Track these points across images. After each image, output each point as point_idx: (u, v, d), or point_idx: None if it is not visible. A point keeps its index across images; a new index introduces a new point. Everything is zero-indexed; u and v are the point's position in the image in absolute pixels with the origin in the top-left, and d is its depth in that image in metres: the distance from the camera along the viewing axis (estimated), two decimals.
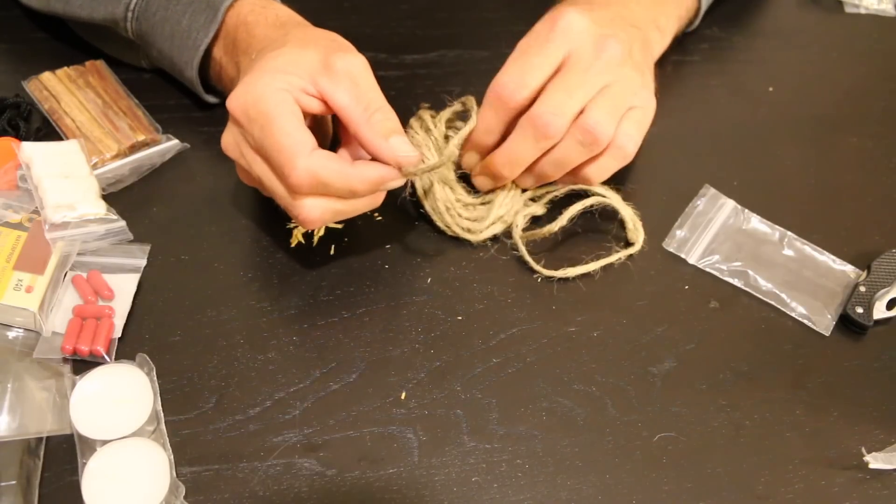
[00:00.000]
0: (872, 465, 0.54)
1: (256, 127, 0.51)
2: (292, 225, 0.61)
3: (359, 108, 0.52)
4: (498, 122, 0.58)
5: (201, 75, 0.63)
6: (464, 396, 0.56)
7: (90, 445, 0.51)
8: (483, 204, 0.62)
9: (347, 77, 0.52)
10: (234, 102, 0.51)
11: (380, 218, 0.63)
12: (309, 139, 0.51)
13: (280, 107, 0.50)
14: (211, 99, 0.66)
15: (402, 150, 0.53)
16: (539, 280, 0.61)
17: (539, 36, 0.57)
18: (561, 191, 0.62)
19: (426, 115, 0.61)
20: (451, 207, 0.61)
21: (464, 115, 0.61)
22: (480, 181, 0.62)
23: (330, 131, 0.59)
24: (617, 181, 0.67)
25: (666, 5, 0.68)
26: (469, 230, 0.61)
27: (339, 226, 0.62)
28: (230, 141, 0.54)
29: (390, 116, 0.53)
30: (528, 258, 0.60)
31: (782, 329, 0.61)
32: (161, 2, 0.61)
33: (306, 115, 0.53)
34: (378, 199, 0.55)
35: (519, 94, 0.56)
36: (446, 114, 0.61)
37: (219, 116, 0.67)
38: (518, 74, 0.56)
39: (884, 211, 0.68)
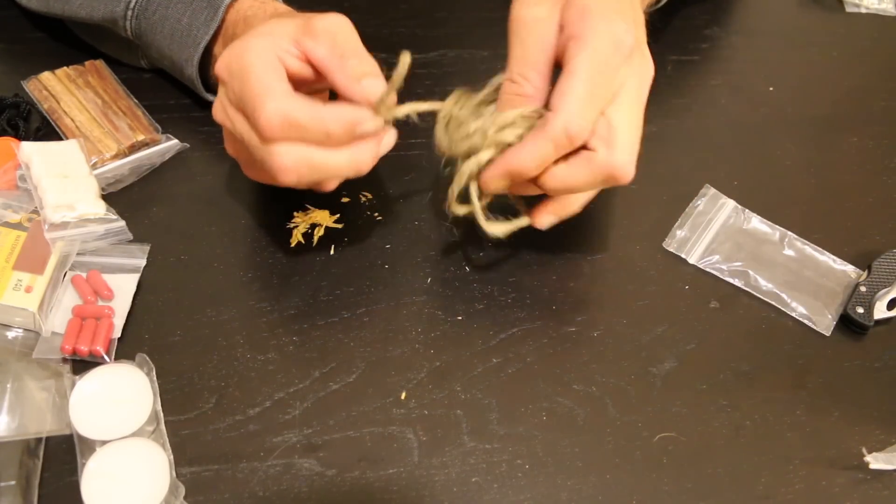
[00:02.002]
0: (873, 466, 0.54)
1: (236, 80, 0.50)
2: (292, 225, 0.61)
3: (335, 57, 0.51)
4: (555, 157, 0.52)
5: (201, 74, 0.63)
6: (464, 396, 0.56)
7: (90, 446, 0.51)
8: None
9: (327, 34, 0.52)
10: (219, 63, 0.51)
11: (380, 218, 0.63)
12: (284, 86, 0.50)
13: (259, 58, 0.50)
14: (211, 97, 0.66)
15: (374, 90, 0.51)
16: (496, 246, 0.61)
17: (609, 65, 0.51)
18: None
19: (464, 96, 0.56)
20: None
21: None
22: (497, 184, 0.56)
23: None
24: None
25: None
26: (451, 143, 0.54)
27: (339, 225, 0.62)
28: (217, 106, 0.53)
29: (367, 62, 0.52)
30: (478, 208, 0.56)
31: (783, 329, 0.61)
32: (161, 0, 0.61)
33: (297, 87, 0.52)
34: (361, 160, 0.52)
35: (588, 134, 0.51)
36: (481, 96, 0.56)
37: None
38: (593, 113, 0.51)
39: (884, 211, 0.68)
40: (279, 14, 0.59)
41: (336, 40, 0.52)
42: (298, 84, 0.52)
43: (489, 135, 0.52)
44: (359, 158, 0.52)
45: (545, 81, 0.52)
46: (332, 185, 0.56)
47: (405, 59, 0.51)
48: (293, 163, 0.50)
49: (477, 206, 0.55)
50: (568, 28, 0.50)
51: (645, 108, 0.54)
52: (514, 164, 0.52)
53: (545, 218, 0.56)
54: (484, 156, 0.53)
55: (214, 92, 0.66)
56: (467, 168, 0.54)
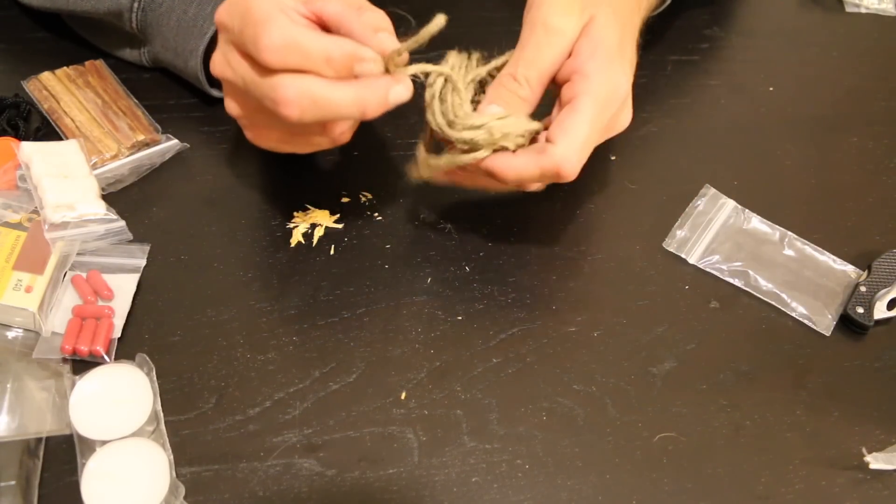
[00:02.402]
0: (873, 466, 0.54)
1: (237, 18, 0.50)
2: (292, 225, 0.61)
3: (350, 10, 0.51)
4: (538, 182, 0.55)
5: (205, 69, 0.63)
6: (464, 396, 0.56)
7: (90, 446, 0.51)
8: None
9: None
10: (220, 9, 0.51)
11: (380, 218, 0.63)
12: (286, 16, 0.49)
13: (265, 2, 0.49)
14: (215, 93, 0.66)
15: (390, 44, 0.51)
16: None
17: (606, 111, 0.53)
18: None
19: (472, 58, 0.57)
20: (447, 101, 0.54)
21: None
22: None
23: None
24: (619, 180, 0.67)
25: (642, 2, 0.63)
26: (450, 123, 0.54)
27: (339, 225, 0.62)
28: (217, 56, 0.53)
29: (382, 17, 0.52)
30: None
31: (783, 329, 0.61)
32: None
33: None
34: (367, 100, 0.50)
35: (576, 175, 0.53)
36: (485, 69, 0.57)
37: (219, 116, 0.67)
38: (585, 156, 0.53)
39: (884, 211, 0.68)
40: None
41: None
42: None
43: (495, 138, 0.53)
44: (364, 97, 0.50)
45: (542, 90, 0.54)
46: (341, 133, 0.55)
47: (439, 20, 0.52)
48: (296, 94, 0.49)
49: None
50: (577, 59, 0.53)
51: (602, 141, 0.56)
52: (497, 167, 0.53)
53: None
54: (481, 154, 0.53)
55: (218, 87, 0.66)
56: (461, 159, 0.54)
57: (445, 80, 0.54)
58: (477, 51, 0.57)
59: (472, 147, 0.53)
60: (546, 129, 0.54)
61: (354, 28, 0.51)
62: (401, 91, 0.51)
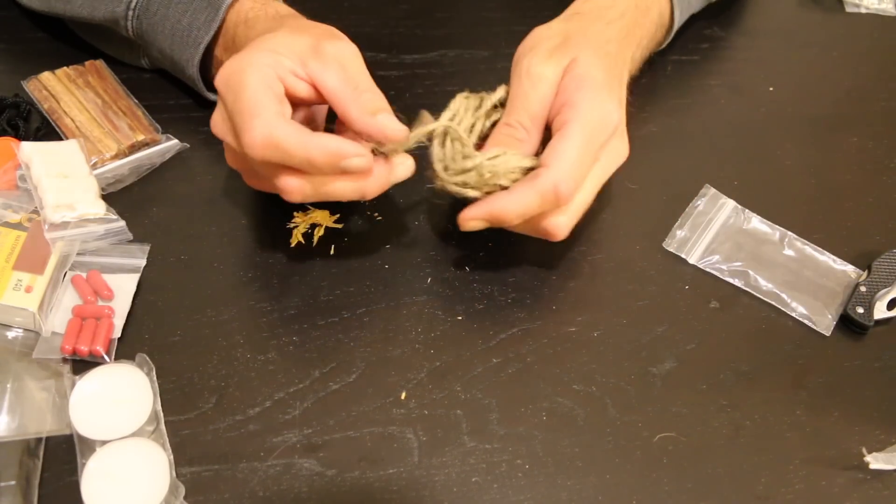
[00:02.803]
0: (873, 466, 0.54)
1: (231, 95, 0.50)
2: (292, 225, 0.61)
3: (347, 89, 0.52)
4: (538, 211, 0.54)
5: (203, 74, 0.63)
6: (464, 396, 0.56)
7: (90, 446, 0.51)
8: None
9: (337, 62, 0.52)
10: (219, 76, 0.52)
11: (380, 218, 0.63)
12: (275, 107, 0.50)
13: (256, 75, 0.50)
14: (213, 97, 0.66)
15: (390, 126, 0.52)
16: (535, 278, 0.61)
17: (596, 136, 0.54)
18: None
19: (471, 99, 0.58)
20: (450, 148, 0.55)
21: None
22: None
23: (322, 128, 0.59)
24: (619, 180, 0.67)
25: (641, 41, 0.66)
26: (445, 168, 0.55)
27: (339, 225, 0.62)
28: (217, 118, 0.54)
29: (379, 97, 0.53)
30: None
31: (783, 329, 0.61)
32: (162, 0, 0.61)
33: (297, 104, 0.53)
34: (366, 188, 0.53)
35: (573, 195, 0.54)
36: (488, 103, 0.58)
37: None
38: (580, 178, 0.54)
39: (884, 211, 0.68)
40: (281, 17, 0.59)
41: (346, 69, 0.52)
42: (298, 103, 0.53)
43: (485, 178, 0.54)
44: (364, 186, 0.52)
45: (539, 133, 0.56)
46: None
47: (426, 119, 0.55)
48: (298, 185, 0.51)
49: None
50: (564, 94, 0.55)
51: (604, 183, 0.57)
52: (497, 211, 0.54)
53: (472, 223, 0.56)
54: (471, 194, 0.55)
55: (216, 91, 0.66)
56: (457, 192, 0.55)
57: (445, 132, 0.55)
58: (481, 91, 0.58)
59: (467, 191, 0.55)
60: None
61: (352, 111, 0.52)
62: (402, 171, 0.54)
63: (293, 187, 0.51)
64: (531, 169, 0.54)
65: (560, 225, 0.55)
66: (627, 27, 0.62)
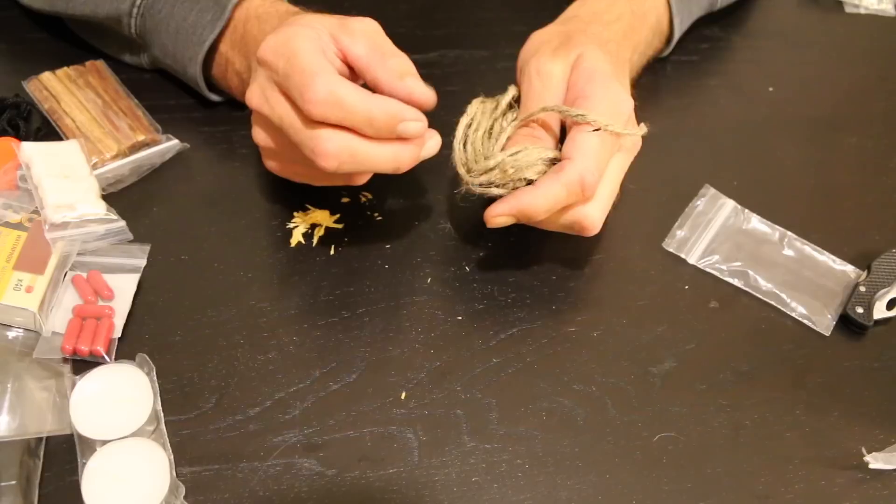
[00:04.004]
0: (872, 465, 0.54)
1: (283, 60, 0.51)
2: (292, 225, 0.61)
3: (375, 55, 0.53)
4: (565, 204, 0.54)
5: (203, 73, 0.63)
6: (464, 396, 0.56)
7: (90, 445, 0.51)
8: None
9: (363, 34, 0.53)
10: (264, 46, 0.52)
11: (380, 218, 0.63)
12: (333, 68, 0.51)
13: (308, 42, 0.51)
14: (214, 97, 0.66)
15: (418, 88, 0.53)
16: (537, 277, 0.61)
17: (618, 120, 0.55)
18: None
19: (487, 103, 0.59)
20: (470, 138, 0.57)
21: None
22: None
23: None
24: None
25: (637, 46, 0.67)
26: (469, 171, 0.56)
27: (339, 225, 0.62)
28: (255, 89, 0.54)
29: (406, 62, 0.54)
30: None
31: (782, 329, 0.61)
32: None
33: None
34: (402, 158, 0.52)
35: (598, 185, 0.55)
36: (503, 103, 0.59)
37: (219, 117, 0.67)
38: (603, 166, 0.55)
39: (884, 211, 0.68)
40: (294, 12, 0.59)
41: (374, 39, 0.54)
42: None
43: (509, 173, 0.54)
44: (400, 155, 0.52)
45: (556, 129, 0.57)
46: (364, 179, 0.56)
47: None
48: (336, 149, 0.51)
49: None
50: (575, 89, 0.55)
51: (625, 175, 0.58)
52: (525, 205, 0.54)
53: (500, 219, 0.55)
54: (496, 192, 0.55)
55: (217, 92, 0.66)
56: (483, 192, 0.56)
57: (465, 132, 0.56)
58: (495, 94, 0.59)
59: (492, 190, 0.55)
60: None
61: (380, 75, 0.52)
62: (432, 146, 0.55)
63: (332, 149, 0.50)
64: (554, 161, 0.55)
65: (591, 216, 0.55)
66: (624, 30, 0.63)
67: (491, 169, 0.55)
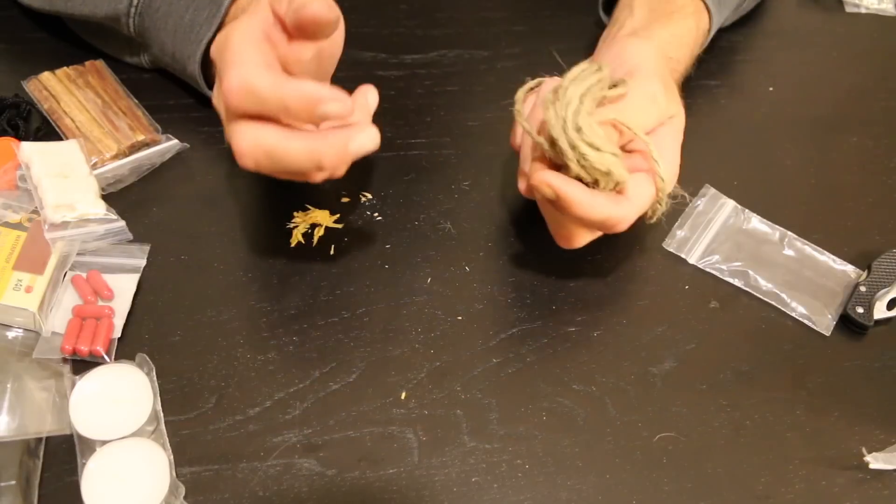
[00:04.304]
0: (873, 466, 0.54)
1: (219, 56, 0.50)
2: (292, 225, 0.61)
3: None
4: (594, 226, 0.54)
5: (203, 72, 0.63)
6: (464, 396, 0.56)
7: (90, 446, 0.51)
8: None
9: None
10: (213, 45, 0.52)
11: (380, 218, 0.63)
12: (257, 58, 0.48)
13: (241, 33, 0.49)
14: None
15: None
16: (539, 281, 0.61)
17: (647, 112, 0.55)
18: None
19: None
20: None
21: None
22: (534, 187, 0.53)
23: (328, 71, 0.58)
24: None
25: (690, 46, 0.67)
26: (578, 129, 0.50)
27: (339, 225, 0.62)
28: (214, 91, 0.53)
29: None
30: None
31: (782, 329, 0.61)
32: None
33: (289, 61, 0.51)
34: (321, 153, 0.48)
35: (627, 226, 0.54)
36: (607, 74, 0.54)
37: (218, 117, 0.67)
38: (641, 209, 0.54)
39: (884, 211, 0.68)
40: None
41: None
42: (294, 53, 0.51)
43: (602, 170, 0.50)
44: (319, 150, 0.48)
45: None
46: (316, 177, 0.51)
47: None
48: (249, 146, 0.48)
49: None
50: (657, 136, 0.55)
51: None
52: (573, 199, 0.51)
53: (545, 187, 0.51)
54: (604, 184, 0.52)
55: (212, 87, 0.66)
56: (557, 155, 0.51)
57: (581, 99, 0.50)
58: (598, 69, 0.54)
59: (586, 169, 0.51)
60: None
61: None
62: (363, 141, 0.49)
63: (246, 147, 0.48)
64: (617, 184, 0.52)
65: (624, 219, 0.53)
66: (683, 72, 0.65)
67: (597, 149, 0.50)
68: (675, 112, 0.57)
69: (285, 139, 0.48)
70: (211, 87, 0.65)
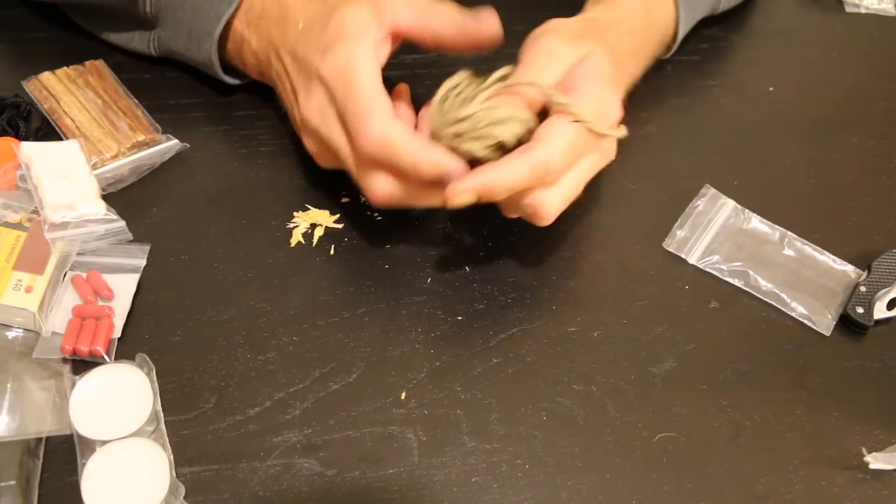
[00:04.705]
0: (873, 466, 0.54)
1: (341, 87, 0.52)
2: (292, 225, 0.61)
3: (425, 14, 0.55)
4: (525, 185, 0.54)
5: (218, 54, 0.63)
6: (464, 396, 0.56)
7: (90, 446, 0.51)
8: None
9: (400, 2, 0.55)
10: (324, 66, 0.53)
11: (380, 218, 0.63)
12: (388, 105, 0.52)
13: (366, 70, 0.52)
14: (228, 78, 0.65)
15: (483, 21, 0.55)
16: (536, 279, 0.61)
17: (601, 123, 0.55)
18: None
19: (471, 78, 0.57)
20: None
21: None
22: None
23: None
24: (618, 180, 0.67)
25: (643, 60, 0.67)
26: (443, 115, 0.54)
27: (339, 225, 0.62)
28: (314, 105, 0.55)
29: (453, 4, 0.55)
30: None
31: (782, 329, 0.61)
32: None
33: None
34: (444, 198, 0.53)
35: (560, 176, 0.55)
36: (492, 77, 0.57)
37: (219, 117, 0.67)
38: (572, 158, 0.54)
39: (884, 211, 0.68)
40: None
41: (412, 2, 0.55)
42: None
43: (481, 125, 0.53)
44: (444, 199, 0.53)
45: (540, 105, 0.55)
46: None
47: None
48: (384, 197, 0.54)
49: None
50: (571, 80, 0.55)
51: (587, 182, 0.57)
52: (487, 181, 0.52)
53: (462, 195, 0.53)
54: (468, 148, 0.53)
55: (232, 73, 0.65)
56: (451, 144, 0.53)
57: (447, 92, 0.54)
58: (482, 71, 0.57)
59: (462, 144, 0.53)
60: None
61: (440, 29, 0.55)
62: (465, 199, 0.53)
63: (381, 193, 0.54)
64: (529, 131, 0.54)
65: (548, 203, 0.54)
66: (635, 46, 0.64)
67: (463, 119, 0.53)
68: (586, 52, 0.56)
69: (413, 195, 0.54)
70: (225, 69, 0.64)
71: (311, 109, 0.55)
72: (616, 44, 0.60)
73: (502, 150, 0.54)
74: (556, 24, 0.60)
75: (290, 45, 0.58)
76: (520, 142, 0.54)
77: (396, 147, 0.51)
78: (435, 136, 0.54)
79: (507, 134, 0.53)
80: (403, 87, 0.59)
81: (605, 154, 0.58)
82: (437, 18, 0.55)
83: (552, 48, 0.57)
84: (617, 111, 0.56)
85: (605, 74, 0.56)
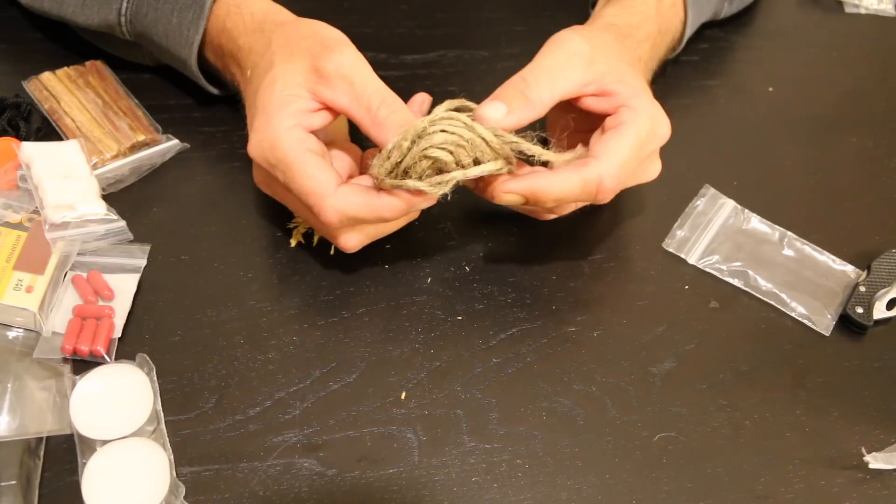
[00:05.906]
0: (872, 465, 0.54)
1: (279, 172, 0.52)
2: (292, 225, 0.61)
3: (361, 108, 0.52)
4: (575, 199, 0.55)
5: (204, 66, 0.63)
6: (464, 396, 0.56)
7: (90, 445, 0.51)
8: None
9: (341, 79, 0.52)
10: (253, 152, 0.53)
11: None
12: (331, 177, 0.51)
13: (296, 149, 0.51)
14: (216, 91, 0.65)
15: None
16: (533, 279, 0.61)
17: (648, 143, 0.55)
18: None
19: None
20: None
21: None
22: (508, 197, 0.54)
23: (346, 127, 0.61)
24: None
25: (654, 65, 0.67)
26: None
27: None
28: (260, 179, 0.57)
29: (395, 108, 0.52)
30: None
31: (782, 329, 0.61)
32: (150, 2, 0.61)
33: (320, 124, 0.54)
34: (416, 214, 0.56)
35: (612, 195, 0.54)
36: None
37: (219, 117, 0.67)
38: (624, 178, 0.54)
39: (884, 211, 0.68)
40: (260, 26, 0.57)
41: (353, 83, 0.52)
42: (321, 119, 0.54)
43: (412, 164, 0.50)
44: (415, 215, 0.56)
45: (550, 104, 0.54)
46: None
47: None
48: (356, 244, 0.55)
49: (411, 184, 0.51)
50: (620, 96, 0.54)
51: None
52: (540, 188, 0.52)
53: (509, 196, 0.53)
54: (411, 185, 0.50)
55: (220, 86, 0.65)
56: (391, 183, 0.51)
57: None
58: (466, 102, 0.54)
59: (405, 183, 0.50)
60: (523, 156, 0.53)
61: (373, 135, 0.53)
62: (429, 202, 0.53)
63: (353, 244, 0.55)
64: (513, 157, 0.52)
65: (606, 177, 0.53)
66: (651, 51, 0.64)
67: (393, 168, 0.50)
68: (617, 67, 0.55)
69: (383, 231, 0.57)
70: (211, 80, 0.64)
71: (258, 180, 0.57)
72: (636, 52, 0.61)
73: (460, 165, 0.50)
74: (580, 29, 0.58)
75: (243, 88, 0.58)
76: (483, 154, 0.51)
77: (356, 213, 0.51)
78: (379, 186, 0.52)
79: (440, 153, 0.49)
80: (425, 98, 0.60)
81: (651, 172, 0.59)
82: (368, 127, 0.52)
83: (575, 48, 0.54)
84: (667, 131, 0.56)
85: (650, 94, 0.56)
